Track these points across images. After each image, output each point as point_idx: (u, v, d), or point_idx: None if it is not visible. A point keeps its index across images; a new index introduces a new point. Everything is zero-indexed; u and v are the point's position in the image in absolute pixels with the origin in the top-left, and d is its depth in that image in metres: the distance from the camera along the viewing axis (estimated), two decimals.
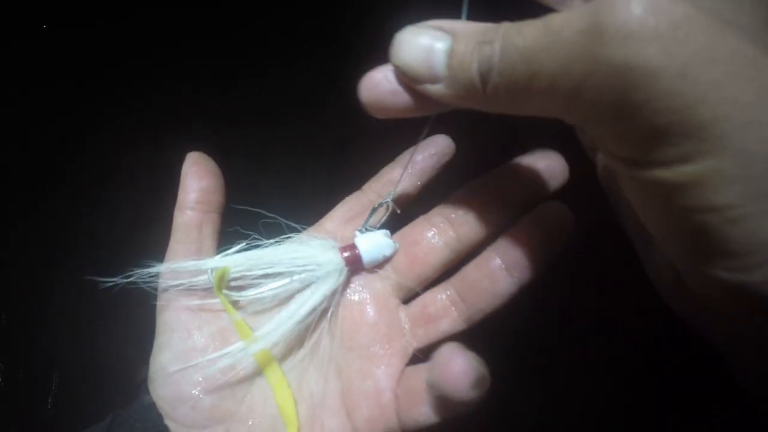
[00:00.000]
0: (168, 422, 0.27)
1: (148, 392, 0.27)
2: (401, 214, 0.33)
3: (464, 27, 0.21)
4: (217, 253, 0.30)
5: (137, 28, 0.49)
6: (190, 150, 0.31)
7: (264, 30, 0.49)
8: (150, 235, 0.32)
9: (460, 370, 0.22)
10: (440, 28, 0.21)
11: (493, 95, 0.19)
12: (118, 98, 0.47)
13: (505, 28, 0.19)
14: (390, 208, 0.32)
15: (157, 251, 0.30)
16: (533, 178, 0.29)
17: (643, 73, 0.15)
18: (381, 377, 0.27)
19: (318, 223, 0.32)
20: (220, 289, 0.28)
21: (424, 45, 0.21)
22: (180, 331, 0.28)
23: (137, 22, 0.49)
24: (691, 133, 0.15)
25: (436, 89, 0.21)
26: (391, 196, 0.32)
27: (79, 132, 0.47)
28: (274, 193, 0.43)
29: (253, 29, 0.49)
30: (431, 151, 0.32)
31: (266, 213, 0.30)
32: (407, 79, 0.22)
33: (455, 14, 0.22)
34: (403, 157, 0.33)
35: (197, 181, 0.30)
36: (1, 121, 0.45)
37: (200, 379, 0.27)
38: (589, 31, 0.16)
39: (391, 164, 0.33)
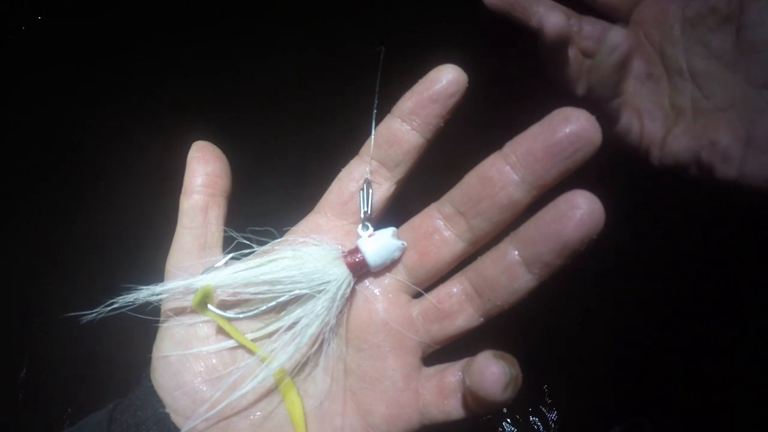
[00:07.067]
0: (169, 411, 0.26)
1: (150, 380, 0.27)
2: (410, 189, 0.29)
3: None
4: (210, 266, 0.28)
5: (142, 21, 0.46)
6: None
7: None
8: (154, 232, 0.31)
9: (495, 378, 0.23)
10: None
11: None
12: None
13: None
14: (393, 189, 0.28)
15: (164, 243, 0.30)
16: (556, 150, 0.24)
17: None
18: (398, 377, 0.27)
19: (314, 210, 0.30)
20: (203, 309, 0.27)
21: None
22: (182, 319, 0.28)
23: (140, 16, 0.46)
24: None
25: None
26: (368, 170, 0.28)
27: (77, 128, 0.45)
28: (271, 188, 0.40)
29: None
30: (432, 92, 0.26)
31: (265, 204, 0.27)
32: None
33: None
34: (402, 105, 0.27)
35: (203, 166, 0.29)
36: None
37: (201, 369, 0.27)
38: None
39: (389, 116, 0.28)
